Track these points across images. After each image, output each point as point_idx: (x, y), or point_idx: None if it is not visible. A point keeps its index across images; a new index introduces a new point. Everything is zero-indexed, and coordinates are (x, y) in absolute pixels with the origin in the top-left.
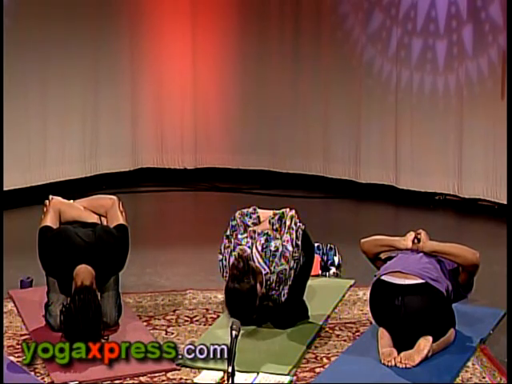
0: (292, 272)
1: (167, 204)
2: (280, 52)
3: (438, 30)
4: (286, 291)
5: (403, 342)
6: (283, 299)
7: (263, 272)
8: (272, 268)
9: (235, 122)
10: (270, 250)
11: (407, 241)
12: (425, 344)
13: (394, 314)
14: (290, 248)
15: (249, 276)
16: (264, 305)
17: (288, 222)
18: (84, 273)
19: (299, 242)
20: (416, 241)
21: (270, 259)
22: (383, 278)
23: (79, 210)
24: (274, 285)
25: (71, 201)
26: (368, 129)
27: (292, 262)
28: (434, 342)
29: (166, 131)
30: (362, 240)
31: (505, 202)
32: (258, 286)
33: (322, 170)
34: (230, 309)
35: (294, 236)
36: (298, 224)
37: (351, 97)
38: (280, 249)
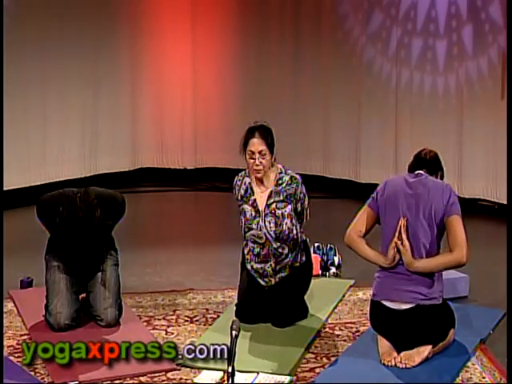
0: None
1: (167, 204)
2: (280, 52)
3: (437, 30)
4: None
5: (403, 349)
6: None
7: (277, 170)
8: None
9: (235, 122)
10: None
11: (389, 260)
12: (425, 347)
13: (392, 332)
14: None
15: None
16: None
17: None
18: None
19: (304, 237)
20: (396, 250)
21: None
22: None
23: None
24: (284, 186)
25: None
26: (368, 129)
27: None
28: (434, 346)
29: (165, 131)
30: (347, 240)
31: (505, 202)
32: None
33: (322, 170)
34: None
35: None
36: (302, 229)
37: (351, 97)
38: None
